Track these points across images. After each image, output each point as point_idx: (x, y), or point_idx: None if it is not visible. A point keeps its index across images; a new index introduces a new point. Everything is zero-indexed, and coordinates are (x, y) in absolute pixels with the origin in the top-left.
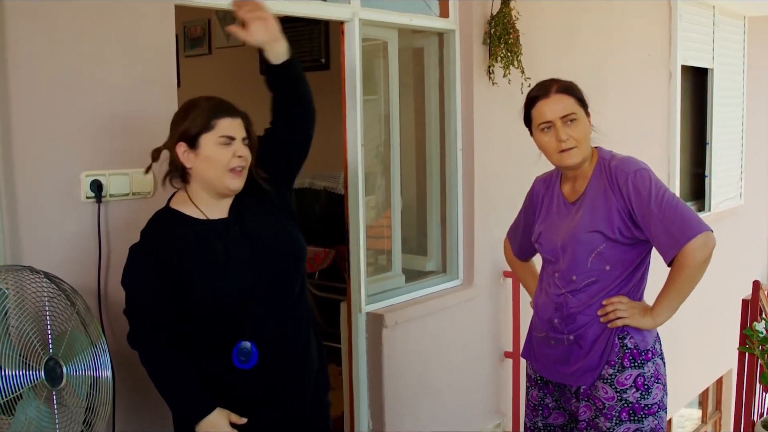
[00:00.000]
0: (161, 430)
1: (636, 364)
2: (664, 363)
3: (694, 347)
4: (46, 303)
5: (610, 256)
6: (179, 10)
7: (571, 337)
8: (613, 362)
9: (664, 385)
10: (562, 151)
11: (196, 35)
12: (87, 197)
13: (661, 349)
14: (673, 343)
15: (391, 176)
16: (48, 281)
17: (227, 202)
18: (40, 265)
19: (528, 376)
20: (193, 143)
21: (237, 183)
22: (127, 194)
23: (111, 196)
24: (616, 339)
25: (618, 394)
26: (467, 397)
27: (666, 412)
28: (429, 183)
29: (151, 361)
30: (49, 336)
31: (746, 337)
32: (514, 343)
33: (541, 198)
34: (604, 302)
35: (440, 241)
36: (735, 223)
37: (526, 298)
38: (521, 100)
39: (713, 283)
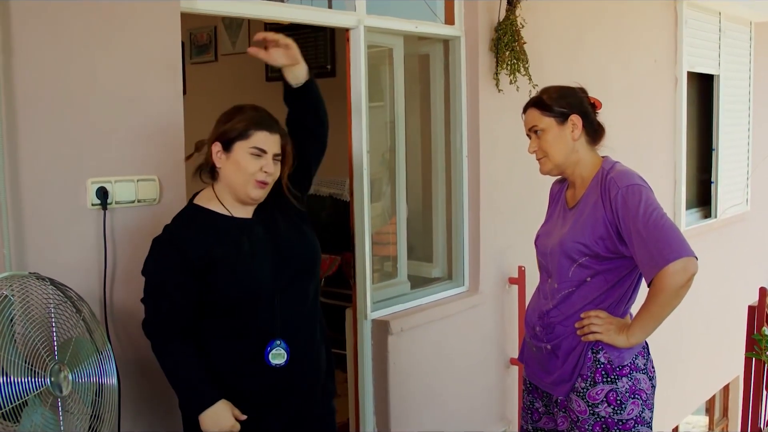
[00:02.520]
0: None
1: (608, 379)
2: (649, 377)
3: (701, 354)
4: (52, 310)
5: (591, 268)
6: (185, 17)
7: (549, 347)
8: (585, 376)
9: (645, 400)
10: (538, 160)
11: (203, 42)
12: (93, 204)
13: (645, 364)
14: (678, 351)
15: (397, 183)
16: (54, 288)
17: (252, 205)
18: (46, 271)
19: (523, 379)
20: (227, 146)
21: (259, 193)
22: (133, 201)
23: (117, 203)
24: (590, 353)
25: (590, 408)
26: (472, 404)
27: (649, 426)
28: (434, 190)
29: (162, 351)
30: (55, 343)
31: (754, 342)
32: (519, 349)
33: (553, 199)
34: (582, 315)
35: (446, 247)
36: (741, 229)
37: None
38: None
39: (719, 289)
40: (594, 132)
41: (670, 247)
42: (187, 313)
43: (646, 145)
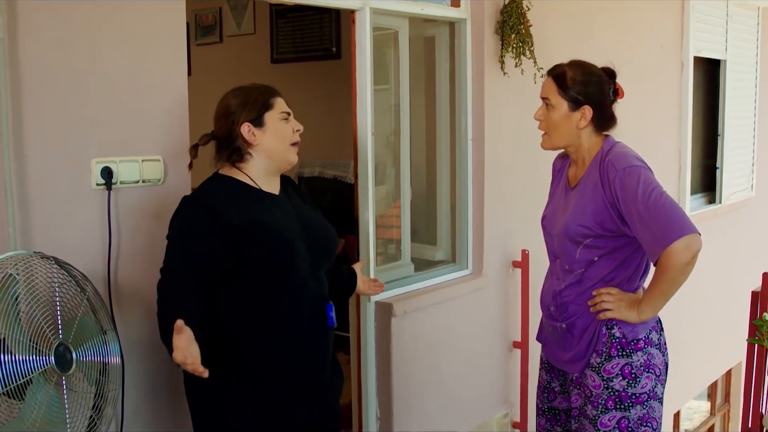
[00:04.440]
0: (170, 416)
1: (624, 353)
2: (662, 352)
3: (704, 339)
4: (56, 289)
5: (598, 248)
6: None
7: (564, 326)
8: (600, 351)
9: (658, 375)
10: (541, 134)
11: (208, 23)
12: (97, 184)
13: (659, 339)
14: (679, 335)
15: (401, 166)
16: (58, 267)
17: (277, 182)
18: (51, 251)
19: (540, 357)
20: (258, 121)
21: (296, 157)
22: (138, 181)
23: (121, 183)
24: (604, 329)
25: (605, 382)
26: (475, 387)
27: (660, 402)
28: (439, 172)
29: (168, 302)
30: (59, 322)
31: (756, 328)
32: (522, 333)
33: (556, 175)
34: (593, 293)
35: (450, 230)
36: (746, 215)
37: (535, 288)
38: (533, 90)
39: (723, 275)
40: (605, 122)
41: (672, 226)
42: (212, 275)
43: (651, 130)
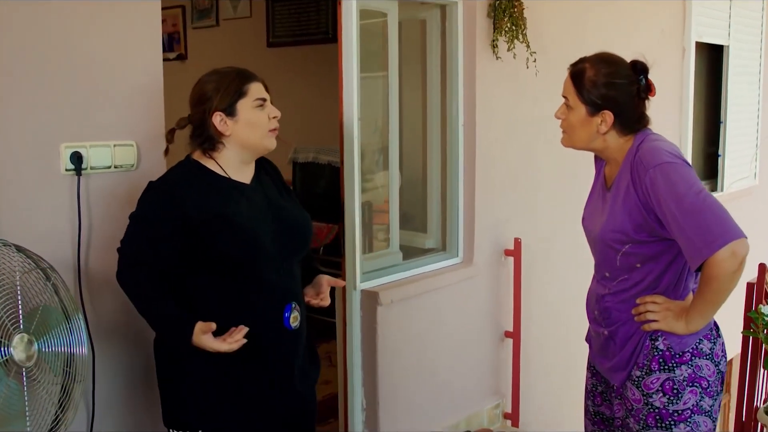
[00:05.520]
0: (143, 408)
1: (666, 367)
2: (715, 362)
3: None
4: (18, 277)
5: (638, 255)
6: None
7: (606, 333)
8: (641, 364)
9: (705, 389)
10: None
11: (204, 6)
12: (67, 169)
13: (711, 348)
14: None
15: (390, 152)
16: (21, 255)
17: (250, 171)
18: (17, 238)
19: (587, 360)
20: (230, 111)
21: (274, 142)
22: (110, 167)
23: (92, 168)
24: (648, 340)
25: (645, 397)
26: (465, 377)
27: (708, 416)
28: (429, 159)
29: (138, 292)
30: (20, 311)
31: (750, 320)
32: (515, 322)
33: (597, 171)
34: (638, 300)
35: (440, 218)
36: (749, 203)
37: (527, 277)
38: (526, 75)
39: None
40: (632, 124)
41: (713, 232)
42: (172, 261)
43: (651, 116)
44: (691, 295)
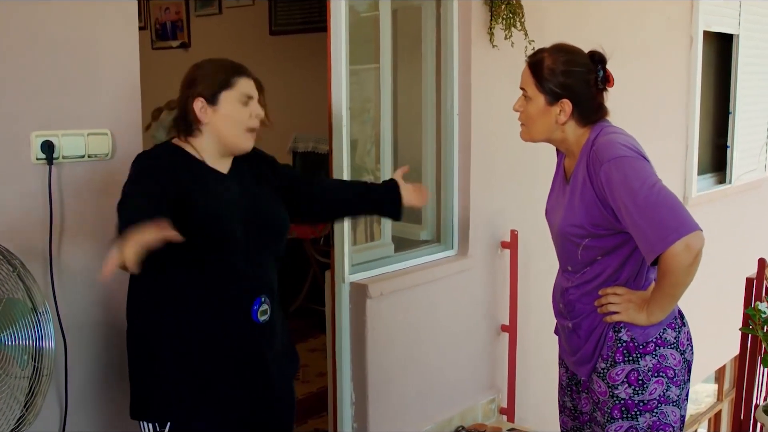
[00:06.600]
0: (118, 403)
1: (630, 358)
2: (680, 351)
3: (713, 322)
4: None
5: (598, 248)
6: None
7: (570, 325)
8: (605, 356)
9: (671, 378)
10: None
11: None
12: (37, 159)
13: (676, 337)
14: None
15: (382, 142)
16: None
17: (228, 162)
18: None
19: (558, 353)
20: (212, 99)
21: (250, 143)
22: (83, 156)
23: (64, 157)
24: (611, 332)
25: (610, 389)
26: (460, 372)
27: (675, 405)
28: (424, 149)
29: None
30: None
31: (749, 317)
32: (510, 316)
33: (558, 163)
34: (600, 292)
35: (435, 209)
36: (758, 195)
37: (524, 270)
38: (523, 64)
39: (733, 257)
40: (590, 114)
41: (667, 227)
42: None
43: (656, 108)
44: (653, 285)
